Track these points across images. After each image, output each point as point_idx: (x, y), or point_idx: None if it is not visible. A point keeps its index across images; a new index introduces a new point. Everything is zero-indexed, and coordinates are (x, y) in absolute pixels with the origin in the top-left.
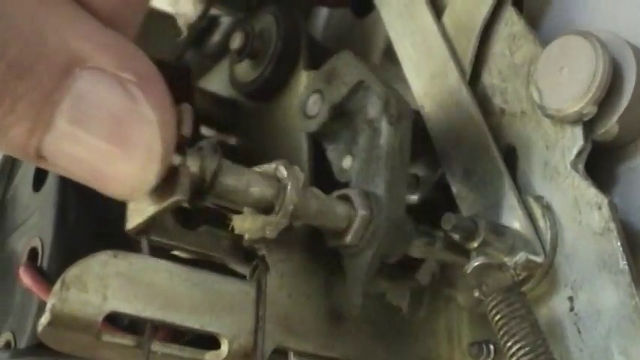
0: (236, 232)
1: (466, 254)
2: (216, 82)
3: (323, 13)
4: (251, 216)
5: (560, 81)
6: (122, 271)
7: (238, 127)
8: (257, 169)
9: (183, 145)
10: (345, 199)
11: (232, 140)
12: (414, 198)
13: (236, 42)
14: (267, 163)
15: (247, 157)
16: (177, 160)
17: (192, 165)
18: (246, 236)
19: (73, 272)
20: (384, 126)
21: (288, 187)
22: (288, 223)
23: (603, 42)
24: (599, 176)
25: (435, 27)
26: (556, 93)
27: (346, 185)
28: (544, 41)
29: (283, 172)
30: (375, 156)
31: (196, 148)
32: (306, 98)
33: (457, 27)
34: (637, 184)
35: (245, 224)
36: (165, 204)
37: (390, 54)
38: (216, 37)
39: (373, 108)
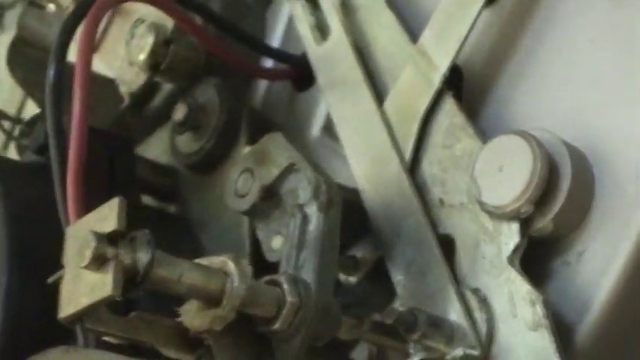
0: (185, 325)
1: (399, 337)
2: (156, 148)
3: (263, 83)
4: (199, 312)
5: (499, 179)
6: None
7: (178, 196)
8: (204, 260)
9: (117, 237)
10: (275, 284)
11: (172, 209)
12: (352, 279)
13: (178, 114)
14: (216, 256)
15: (187, 227)
16: (110, 252)
17: (126, 258)
18: (193, 329)
19: None
20: (314, 212)
21: (236, 282)
22: (235, 316)
23: (541, 142)
24: (534, 270)
25: (377, 113)
26: (495, 191)
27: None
28: (483, 133)
29: (231, 265)
30: (304, 242)
31: (129, 239)
32: (237, 176)
33: (399, 114)
34: (571, 279)
35: (194, 321)
36: (97, 299)
37: (329, 129)
38: (157, 101)
39: (304, 192)
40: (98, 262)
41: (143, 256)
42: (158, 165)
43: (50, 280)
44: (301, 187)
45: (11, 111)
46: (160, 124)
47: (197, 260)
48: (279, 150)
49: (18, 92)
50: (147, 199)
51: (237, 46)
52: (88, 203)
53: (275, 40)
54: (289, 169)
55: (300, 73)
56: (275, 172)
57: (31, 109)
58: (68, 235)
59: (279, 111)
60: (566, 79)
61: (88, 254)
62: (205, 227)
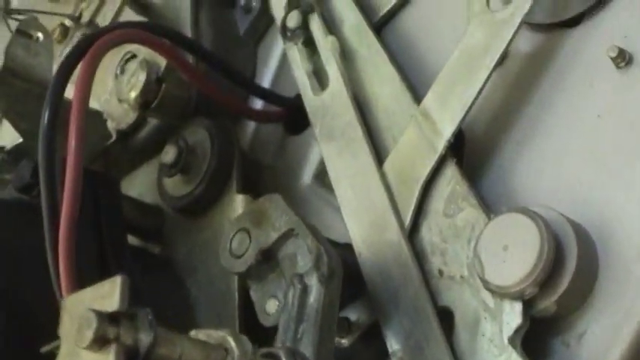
0: None
1: None
2: (141, 184)
3: (252, 123)
4: None
5: (503, 258)
6: None
7: (163, 237)
8: (202, 333)
9: (119, 317)
10: (272, 357)
11: (156, 249)
12: (344, 342)
13: (168, 156)
14: (214, 329)
15: (172, 269)
16: (111, 333)
17: (127, 339)
18: None
19: None
20: (315, 284)
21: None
22: None
23: (548, 223)
24: (532, 347)
25: (377, 174)
26: (499, 270)
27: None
28: (483, 201)
29: (231, 342)
30: (304, 314)
31: (130, 317)
32: (232, 235)
33: (399, 176)
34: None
35: None
36: None
37: (321, 177)
38: (143, 135)
39: (303, 260)
40: (99, 343)
41: (145, 337)
42: (143, 204)
43: (44, 349)
44: (300, 254)
45: None
46: (145, 158)
47: (195, 332)
48: (278, 213)
49: None
50: (130, 239)
51: (227, 85)
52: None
53: (267, 76)
54: (288, 234)
55: (292, 116)
56: (274, 235)
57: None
58: (65, 308)
59: (269, 153)
60: (570, 152)
61: (89, 335)
62: (192, 272)
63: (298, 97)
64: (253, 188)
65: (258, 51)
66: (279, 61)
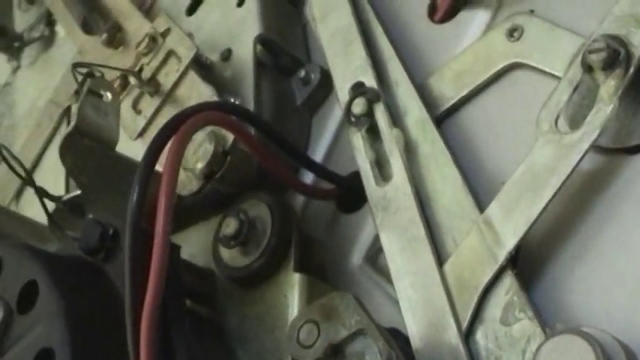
0: None
1: None
2: (194, 245)
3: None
4: None
5: None
6: None
7: (215, 303)
8: None
9: None
10: None
11: (206, 313)
12: None
13: (230, 229)
14: None
15: (224, 337)
16: None
17: None
18: None
19: None
20: None
21: None
22: None
23: (604, 347)
24: None
25: (437, 274)
26: None
27: None
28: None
29: None
30: None
31: None
32: (301, 325)
33: (459, 280)
34: None
35: None
36: None
37: (372, 259)
38: (201, 197)
39: (372, 359)
40: None
41: None
42: (197, 268)
43: None
44: (369, 354)
45: None
46: (200, 219)
47: None
48: (349, 312)
49: None
50: None
51: (284, 159)
52: None
53: (321, 147)
54: (359, 333)
55: (345, 195)
56: (344, 332)
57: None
58: None
59: (319, 228)
60: (621, 275)
61: None
62: (244, 342)
63: (352, 176)
64: (302, 261)
65: (313, 122)
66: (334, 133)
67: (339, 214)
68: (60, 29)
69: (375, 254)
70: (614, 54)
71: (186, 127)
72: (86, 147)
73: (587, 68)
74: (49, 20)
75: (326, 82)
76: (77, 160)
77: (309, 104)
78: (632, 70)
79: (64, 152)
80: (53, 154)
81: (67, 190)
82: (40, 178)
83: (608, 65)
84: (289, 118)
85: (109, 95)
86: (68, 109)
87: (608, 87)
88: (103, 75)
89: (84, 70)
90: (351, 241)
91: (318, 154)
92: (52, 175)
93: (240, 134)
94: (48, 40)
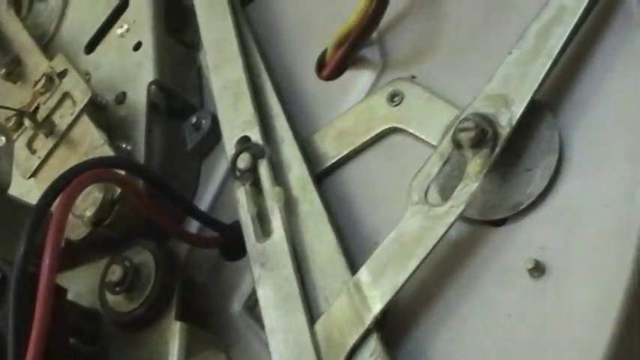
0: None
1: None
2: (80, 285)
3: None
4: None
5: None
6: None
7: (99, 342)
8: None
9: None
10: None
11: (90, 352)
12: None
13: (115, 276)
14: None
15: None
16: None
17: None
18: None
19: None
20: None
21: None
22: None
23: None
24: None
25: (308, 333)
26: None
27: None
28: None
29: None
30: None
31: None
32: None
33: (328, 339)
34: None
35: None
36: None
37: (252, 308)
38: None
39: None
40: None
41: None
42: (83, 308)
43: None
44: None
45: None
46: (86, 261)
47: None
48: None
49: None
50: None
51: (169, 207)
52: None
53: (209, 192)
54: None
55: (228, 243)
56: None
57: None
58: None
59: (202, 273)
60: (480, 342)
61: None
62: None
63: (236, 225)
64: (184, 308)
65: (203, 166)
66: (222, 179)
67: (222, 261)
68: None
69: (254, 303)
70: (482, 133)
71: (73, 187)
72: None
73: (457, 145)
74: None
75: (217, 129)
76: None
77: (199, 150)
78: (498, 149)
79: None
80: None
81: None
82: None
83: (476, 144)
84: (179, 163)
85: (3, 139)
86: None
87: (475, 164)
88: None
89: None
90: (233, 289)
91: (206, 198)
92: None
93: (127, 188)
94: None
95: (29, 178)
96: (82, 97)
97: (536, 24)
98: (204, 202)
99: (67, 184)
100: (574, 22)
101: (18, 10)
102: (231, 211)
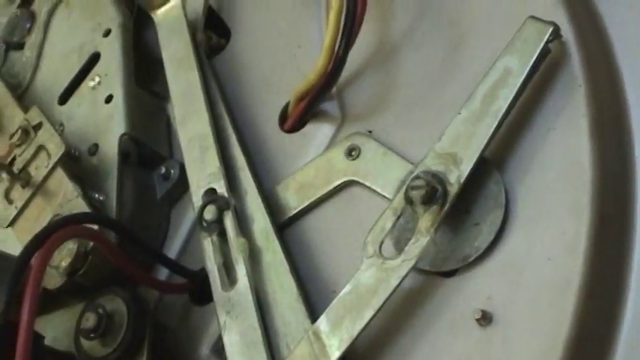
0: None
1: None
2: (56, 329)
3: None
4: None
5: None
6: None
7: None
8: None
9: None
10: None
11: None
12: None
13: (89, 323)
14: None
15: None
16: None
17: None
18: None
19: None
20: None
21: None
22: None
23: None
24: None
25: None
26: None
27: None
28: None
29: None
30: None
31: None
32: None
33: None
34: None
35: None
36: None
37: (219, 352)
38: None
39: None
40: None
41: None
42: (60, 352)
43: None
44: None
45: None
46: (62, 306)
47: None
48: None
49: None
50: None
51: (137, 254)
52: None
53: (178, 239)
54: None
55: (197, 288)
56: None
57: None
58: None
59: (172, 317)
60: None
61: None
62: None
63: (203, 271)
64: (155, 348)
65: (172, 213)
66: (190, 226)
67: (191, 306)
68: None
69: (221, 347)
70: (433, 191)
71: (50, 243)
72: None
73: (410, 201)
74: None
75: (185, 178)
76: None
77: (168, 198)
78: (447, 206)
79: None
80: None
81: None
82: None
83: (427, 201)
84: (149, 211)
85: None
86: None
87: (426, 220)
88: None
89: None
90: (201, 332)
91: (175, 244)
92: None
93: (99, 242)
94: None
95: (7, 227)
96: (56, 151)
97: (483, 86)
98: (173, 248)
99: (45, 239)
100: (518, 85)
101: None
102: (199, 256)
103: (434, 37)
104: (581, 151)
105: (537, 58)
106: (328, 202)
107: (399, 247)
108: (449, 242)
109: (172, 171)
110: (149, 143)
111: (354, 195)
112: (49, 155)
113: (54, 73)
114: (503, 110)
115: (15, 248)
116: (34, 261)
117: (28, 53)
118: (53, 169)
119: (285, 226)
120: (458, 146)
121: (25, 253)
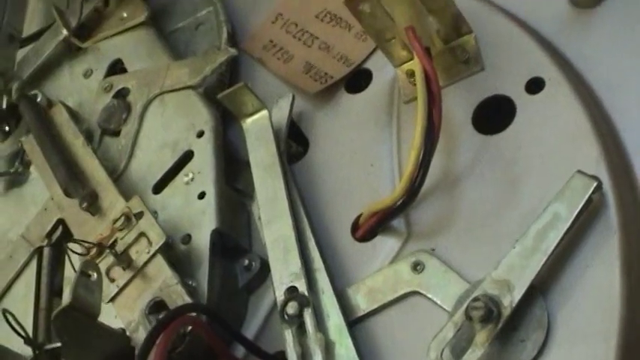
0: None
1: None
2: None
3: None
4: None
5: None
6: None
7: None
8: None
9: None
10: None
11: None
12: None
13: None
14: None
15: None
16: None
17: None
18: None
19: None
20: None
21: None
22: None
23: None
24: None
25: None
26: None
27: None
28: None
29: None
30: None
31: None
32: None
33: None
34: None
35: None
36: None
37: None
38: None
39: None
40: None
41: None
42: None
43: None
44: None
45: None
46: None
47: None
48: None
49: None
50: None
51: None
52: None
53: (255, 323)
54: None
55: None
56: None
57: None
58: None
59: None
60: None
61: None
62: None
63: (278, 355)
64: None
65: (250, 300)
66: (267, 313)
67: None
68: (34, 170)
69: None
70: (489, 312)
71: (171, 329)
72: (75, 317)
73: (469, 318)
74: (23, 159)
75: (264, 270)
76: (64, 324)
77: (248, 287)
78: (500, 325)
79: (56, 320)
80: (22, 286)
81: (35, 325)
82: (7, 306)
83: (484, 320)
84: (232, 299)
85: (95, 275)
86: (39, 250)
87: (483, 336)
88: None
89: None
90: None
91: (252, 329)
92: (20, 305)
93: (205, 332)
94: (20, 176)
95: (108, 302)
96: (157, 239)
97: (535, 226)
98: (251, 331)
99: (166, 325)
100: (565, 229)
101: (88, 142)
102: (273, 342)
103: (493, 173)
104: (612, 286)
105: (582, 207)
106: (393, 307)
107: (455, 353)
108: (499, 354)
109: (254, 264)
110: (234, 237)
111: (417, 304)
112: (149, 242)
113: (148, 164)
114: (552, 249)
115: (109, 321)
116: (159, 343)
117: (124, 141)
118: (153, 255)
119: (354, 324)
120: (512, 275)
121: (150, 338)
